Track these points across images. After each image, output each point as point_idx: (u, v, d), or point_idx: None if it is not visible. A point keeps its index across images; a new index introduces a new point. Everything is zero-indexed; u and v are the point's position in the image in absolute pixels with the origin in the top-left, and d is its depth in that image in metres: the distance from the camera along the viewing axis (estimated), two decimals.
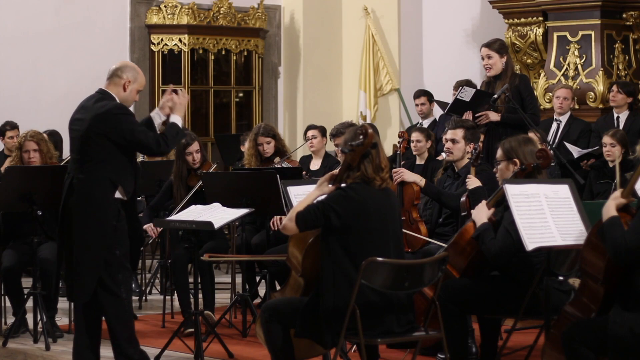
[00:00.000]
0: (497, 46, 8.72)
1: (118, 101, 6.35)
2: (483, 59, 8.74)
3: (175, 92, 6.53)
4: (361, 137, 5.52)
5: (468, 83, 10.24)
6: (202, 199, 7.81)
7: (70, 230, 6.31)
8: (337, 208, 5.47)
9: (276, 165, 8.71)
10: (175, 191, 8.40)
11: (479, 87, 9.09)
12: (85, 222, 6.24)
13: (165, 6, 12.59)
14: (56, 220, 7.84)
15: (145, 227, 8.25)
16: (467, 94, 8.60)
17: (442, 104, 10.83)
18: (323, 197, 5.59)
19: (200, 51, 12.84)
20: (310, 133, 10.04)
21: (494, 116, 8.52)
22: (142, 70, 6.57)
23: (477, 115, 8.53)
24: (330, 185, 5.63)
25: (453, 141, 7.69)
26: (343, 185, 5.59)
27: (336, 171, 5.68)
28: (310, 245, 5.68)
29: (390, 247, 5.55)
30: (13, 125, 10.66)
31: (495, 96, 8.46)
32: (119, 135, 6.22)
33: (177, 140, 6.65)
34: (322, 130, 10.01)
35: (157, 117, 6.51)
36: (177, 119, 6.47)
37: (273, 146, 9.03)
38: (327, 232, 5.50)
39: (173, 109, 6.50)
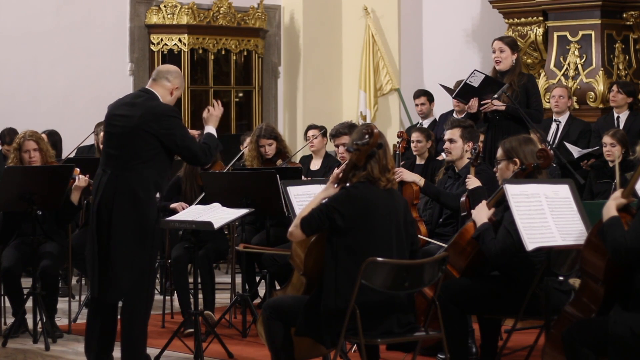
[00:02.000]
0: (510, 41, 8.76)
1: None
2: (494, 52, 8.73)
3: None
4: (367, 136, 5.50)
5: None
6: (203, 199, 7.80)
7: (109, 228, 6.18)
8: (340, 209, 5.47)
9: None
10: (185, 188, 8.37)
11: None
12: (127, 222, 6.13)
13: (165, 6, 12.58)
14: (56, 220, 7.92)
15: (174, 205, 8.14)
16: (476, 79, 8.58)
17: (448, 89, 10.77)
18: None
19: (200, 51, 12.83)
20: (310, 133, 10.03)
21: (499, 105, 8.51)
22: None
23: (482, 102, 8.53)
24: (335, 186, 5.62)
25: (451, 141, 7.74)
26: (347, 184, 5.58)
27: (339, 172, 5.65)
28: (313, 244, 5.66)
29: (393, 247, 5.55)
30: (13, 138, 9.93)
31: (496, 96, 8.46)
32: (170, 138, 6.14)
33: (217, 151, 6.60)
34: (323, 130, 10.01)
35: None
36: (212, 130, 6.43)
37: (275, 147, 9.02)
38: (331, 232, 5.50)
39: (208, 120, 6.50)
